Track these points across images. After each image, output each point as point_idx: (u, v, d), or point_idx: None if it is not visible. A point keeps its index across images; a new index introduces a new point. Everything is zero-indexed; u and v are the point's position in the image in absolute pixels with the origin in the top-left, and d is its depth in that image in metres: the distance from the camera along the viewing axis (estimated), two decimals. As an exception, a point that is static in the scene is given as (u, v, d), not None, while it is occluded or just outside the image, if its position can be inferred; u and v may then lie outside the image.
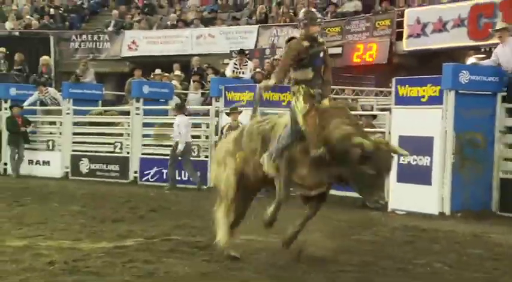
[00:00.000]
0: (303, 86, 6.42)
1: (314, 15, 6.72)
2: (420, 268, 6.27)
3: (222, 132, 12.26)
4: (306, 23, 6.54)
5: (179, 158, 13.64)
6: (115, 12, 23.81)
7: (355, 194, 6.66)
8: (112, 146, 15.58)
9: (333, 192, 6.92)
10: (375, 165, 5.94)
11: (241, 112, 12.25)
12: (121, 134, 15.62)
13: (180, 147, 13.44)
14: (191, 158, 13.78)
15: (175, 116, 13.96)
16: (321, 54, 6.55)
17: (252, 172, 6.77)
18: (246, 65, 15.50)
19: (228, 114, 12.41)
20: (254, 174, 6.75)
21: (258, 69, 15.40)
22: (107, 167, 15.44)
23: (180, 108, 13.98)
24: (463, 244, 7.89)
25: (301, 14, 6.76)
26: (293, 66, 6.49)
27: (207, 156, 14.02)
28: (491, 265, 6.79)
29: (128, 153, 15.14)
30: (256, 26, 20.93)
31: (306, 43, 6.45)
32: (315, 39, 6.56)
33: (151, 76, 16.75)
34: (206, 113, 14.61)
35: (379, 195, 6.11)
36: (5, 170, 16.65)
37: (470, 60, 15.19)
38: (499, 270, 6.52)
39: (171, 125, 14.20)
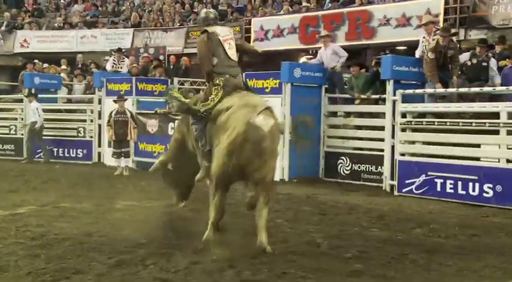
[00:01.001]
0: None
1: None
2: (265, 223, 6.32)
3: (110, 116, 11.68)
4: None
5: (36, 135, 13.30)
6: (7, 14, 22.15)
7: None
8: (7, 128, 14.61)
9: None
10: None
11: (126, 99, 11.88)
12: (15, 118, 14.66)
13: (38, 125, 13.19)
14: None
15: (31, 102, 13.42)
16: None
17: None
18: (123, 61, 15.17)
19: (115, 101, 11.94)
20: None
21: (134, 65, 15.07)
22: (3, 147, 14.48)
23: (35, 96, 13.50)
24: (298, 203, 8.09)
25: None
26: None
27: (91, 137, 13.60)
28: (318, 219, 7.02)
29: (22, 134, 14.18)
30: (132, 29, 20.39)
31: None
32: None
33: (41, 66, 15.88)
34: (88, 101, 14.03)
35: None
36: None
37: (302, 59, 15.59)
38: (323, 223, 6.75)
39: (59, 111, 13.90)
